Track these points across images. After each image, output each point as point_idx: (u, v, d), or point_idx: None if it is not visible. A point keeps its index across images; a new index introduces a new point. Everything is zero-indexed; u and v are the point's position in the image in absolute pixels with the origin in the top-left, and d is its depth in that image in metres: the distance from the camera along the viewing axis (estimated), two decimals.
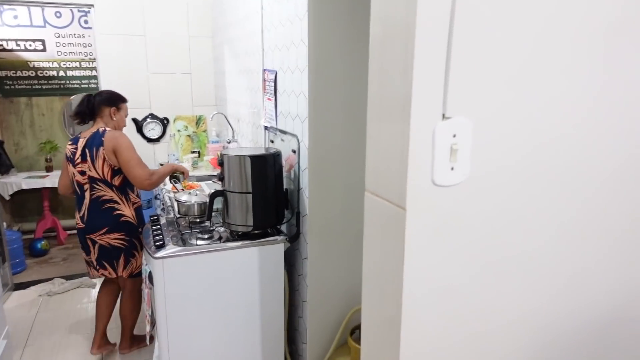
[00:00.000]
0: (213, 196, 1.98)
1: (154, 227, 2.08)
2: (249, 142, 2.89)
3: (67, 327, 3.01)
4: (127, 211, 2.39)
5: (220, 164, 1.97)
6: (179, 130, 3.82)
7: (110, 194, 2.34)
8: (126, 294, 2.56)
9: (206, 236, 1.98)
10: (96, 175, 2.32)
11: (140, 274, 2.44)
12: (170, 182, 2.69)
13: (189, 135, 3.86)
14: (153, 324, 2.00)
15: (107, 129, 2.38)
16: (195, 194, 2.21)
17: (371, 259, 0.94)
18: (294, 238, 2.05)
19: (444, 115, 0.80)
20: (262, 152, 2.01)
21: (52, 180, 4.24)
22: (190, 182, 2.99)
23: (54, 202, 4.69)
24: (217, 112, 3.32)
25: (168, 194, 2.75)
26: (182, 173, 2.58)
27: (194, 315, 1.92)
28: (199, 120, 3.88)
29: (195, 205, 2.15)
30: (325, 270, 1.99)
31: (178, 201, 2.17)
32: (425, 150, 0.80)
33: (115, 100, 2.50)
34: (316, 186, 1.91)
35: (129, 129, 2.73)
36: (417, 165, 0.80)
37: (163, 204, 3.02)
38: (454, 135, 0.81)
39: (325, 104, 1.85)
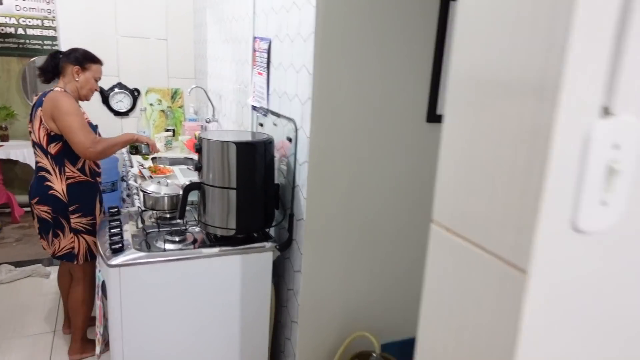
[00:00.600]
0: (187, 190, 1.59)
1: (111, 224, 1.69)
2: (232, 123, 2.49)
3: (11, 326, 2.60)
4: (56, 185, 2.05)
5: (198, 150, 1.58)
6: (151, 104, 3.37)
7: (44, 162, 2.05)
8: (73, 281, 2.26)
9: (177, 238, 1.60)
10: (35, 139, 2.05)
11: (90, 257, 2.13)
12: (130, 153, 2.27)
13: (162, 111, 3.42)
14: (106, 342, 1.62)
15: (58, 89, 1.99)
16: (166, 184, 1.82)
17: (445, 323, 0.59)
18: (285, 245, 1.69)
19: (606, 109, 0.45)
20: (250, 138, 1.63)
21: (5, 151, 3.74)
22: (162, 165, 2.58)
23: (9, 175, 4.19)
24: (196, 86, 2.89)
25: (134, 180, 2.34)
26: (146, 144, 2.19)
27: (157, 335, 1.56)
28: (174, 94, 3.44)
29: (165, 199, 1.76)
30: (322, 287, 1.65)
31: (144, 192, 1.78)
32: (566, 170, 0.45)
33: (82, 58, 2.11)
34: (317, 184, 1.55)
35: (94, 100, 2.31)
36: (551, 196, 0.45)
37: (129, 189, 2.61)
38: (616, 146, 0.46)
39: (333, 82, 1.47)
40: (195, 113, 3.41)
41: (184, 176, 2.30)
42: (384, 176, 1.64)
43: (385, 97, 1.55)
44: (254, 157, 1.57)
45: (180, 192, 1.77)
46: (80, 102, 2.26)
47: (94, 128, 2.16)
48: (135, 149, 2.24)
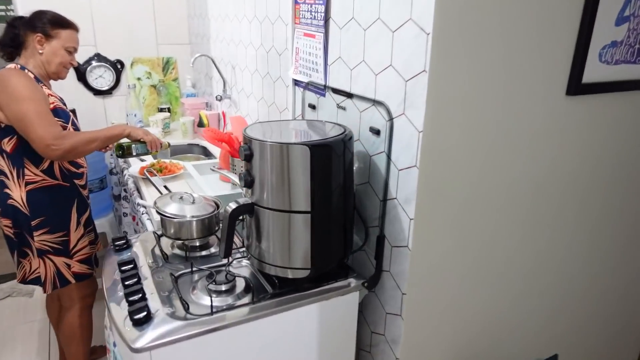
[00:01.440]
0: (235, 216, 1.07)
1: (124, 273, 1.16)
2: (254, 101, 1.93)
3: None
4: (14, 192, 1.58)
5: (248, 157, 1.05)
6: (138, 79, 2.76)
7: (0, 163, 1.58)
8: (62, 310, 1.85)
9: (224, 287, 1.10)
10: None
11: (68, 281, 1.71)
12: (115, 155, 1.72)
13: (153, 86, 2.81)
14: None
15: (12, 66, 1.53)
16: (191, 200, 1.29)
17: None
18: (374, 281, 1.21)
19: None
20: (322, 134, 1.10)
21: None
22: (167, 159, 2.03)
23: None
24: (201, 55, 2.28)
25: (133, 183, 1.79)
26: (142, 141, 1.66)
27: None
28: (166, 65, 2.82)
29: (194, 224, 1.25)
30: (432, 338, 1.18)
31: (164, 215, 1.25)
32: None
33: (46, 23, 1.57)
34: (430, 199, 1.05)
35: (67, 78, 1.72)
36: None
37: (125, 190, 2.06)
38: None
39: (458, 47, 0.95)
40: (193, 86, 2.81)
41: (199, 174, 1.76)
42: (520, 186, 1.15)
43: (513, 67, 1.04)
44: (334, 163, 1.05)
45: (212, 212, 1.25)
46: (52, 82, 1.69)
47: (66, 116, 1.60)
48: (122, 150, 1.68)
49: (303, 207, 1.05)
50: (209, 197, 1.36)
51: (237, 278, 1.14)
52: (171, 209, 1.26)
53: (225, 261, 1.21)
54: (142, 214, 1.50)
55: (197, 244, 1.29)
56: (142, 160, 2.00)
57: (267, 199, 1.06)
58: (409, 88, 1.01)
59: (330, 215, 1.09)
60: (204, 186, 1.59)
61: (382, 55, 1.08)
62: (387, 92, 1.08)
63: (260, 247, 1.12)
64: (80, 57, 2.59)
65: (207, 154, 2.42)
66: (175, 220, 1.24)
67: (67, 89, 2.46)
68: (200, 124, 2.43)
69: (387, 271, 1.19)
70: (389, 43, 1.05)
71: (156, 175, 1.49)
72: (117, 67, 2.69)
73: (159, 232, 1.34)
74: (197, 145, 2.46)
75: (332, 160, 1.05)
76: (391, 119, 1.08)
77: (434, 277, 1.13)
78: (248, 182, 1.08)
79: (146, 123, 2.59)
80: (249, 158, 1.06)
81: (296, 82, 1.52)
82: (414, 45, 0.97)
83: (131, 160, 2.09)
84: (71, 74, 2.53)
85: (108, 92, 2.70)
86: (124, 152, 1.67)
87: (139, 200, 1.31)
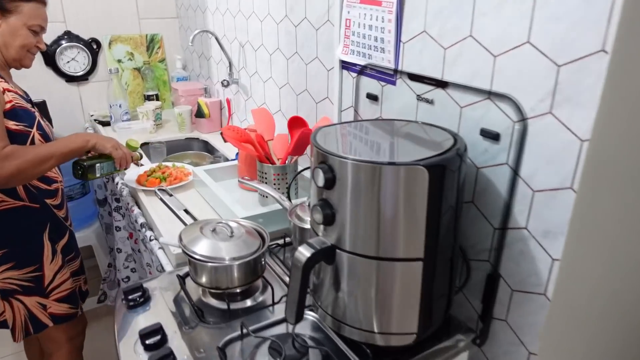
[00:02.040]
0: (309, 266, 0.75)
1: (151, 347, 0.82)
2: (277, 88, 1.58)
3: None
4: None
5: (329, 180, 0.72)
6: (119, 61, 2.34)
7: None
8: (45, 356, 1.55)
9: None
10: None
11: (44, 325, 1.38)
12: (74, 175, 1.34)
13: (137, 69, 2.39)
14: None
15: None
16: (229, 233, 0.95)
17: None
18: (484, 335, 0.91)
19: None
20: (442, 147, 0.77)
21: None
22: (169, 163, 1.67)
23: None
24: (202, 31, 1.87)
25: (131, 198, 1.43)
26: (109, 156, 1.33)
27: None
28: (151, 43, 2.40)
29: (235, 269, 0.91)
30: None
31: (191, 257, 0.91)
32: None
33: None
34: (588, 237, 0.74)
35: (35, 62, 1.33)
36: None
37: (117, 200, 1.69)
38: None
39: None
40: (183, 68, 2.41)
41: (213, 180, 1.41)
42: None
43: None
44: (450, 188, 0.73)
45: (258, 249, 0.93)
46: (14, 71, 1.31)
47: (29, 118, 1.23)
48: (82, 170, 1.31)
49: (413, 253, 0.73)
50: (246, 222, 1.02)
51: (310, 349, 0.82)
52: (203, 248, 0.92)
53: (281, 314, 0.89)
54: (159, 248, 1.15)
55: (238, 290, 0.96)
56: (139, 165, 1.63)
57: (355, 242, 0.74)
58: (565, 76, 0.69)
59: (445, 260, 0.78)
60: (226, 199, 1.25)
61: (508, 26, 0.75)
62: (516, 81, 0.76)
63: (341, 303, 0.80)
64: (47, 37, 2.15)
65: (209, 149, 2.05)
66: (211, 264, 0.90)
67: (34, 77, 2.03)
68: (199, 114, 2.06)
69: (501, 320, 0.89)
70: (528, 7, 0.72)
71: (172, 195, 1.13)
72: (93, 47, 2.26)
73: (182, 273, 1.01)
74: (197, 139, 2.09)
75: (449, 184, 0.73)
76: (524, 120, 0.76)
77: (581, 338, 0.84)
78: (328, 217, 0.75)
79: (133, 115, 2.19)
80: (330, 184, 0.73)
81: (345, 65, 1.18)
82: (582, 9, 0.65)
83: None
84: (38, 57, 2.10)
85: (83, 77, 2.28)
86: (84, 172, 1.30)
87: (161, 240, 0.96)
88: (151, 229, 1.31)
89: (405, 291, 0.76)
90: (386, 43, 1.01)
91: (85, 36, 2.24)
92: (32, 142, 1.22)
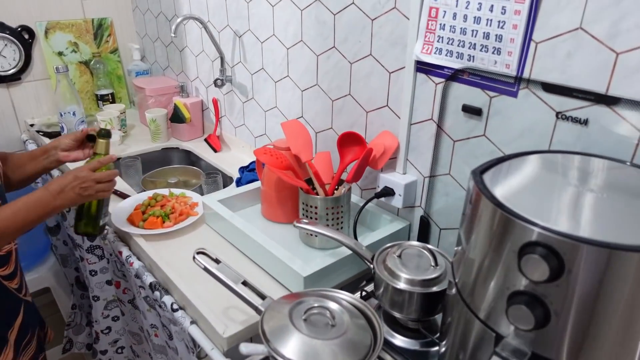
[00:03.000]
0: None
1: None
2: (299, 90, 1.27)
3: None
4: None
5: (555, 271, 0.47)
6: (60, 54, 1.87)
7: None
8: None
9: None
10: None
11: None
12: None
13: (84, 63, 1.94)
14: None
15: None
16: (330, 320, 0.67)
17: None
18: None
19: None
20: None
21: None
22: (167, 191, 1.33)
23: None
24: (188, 17, 1.45)
25: (121, 243, 1.08)
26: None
27: None
28: (99, 30, 1.95)
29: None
30: None
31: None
32: None
33: None
34: None
35: None
36: None
37: (98, 252, 1.33)
38: None
39: None
40: (141, 59, 2.00)
41: (232, 212, 1.09)
42: None
43: None
44: None
45: (371, 348, 0.68)
46: None
47: None
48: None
49: None
50: (345, 297, 0.75)
51: None
52: (296, 350, 0.63)
53: None
54: (191, 323, 0.83)
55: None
56: (122, 196, 1.26)
57: (588, 354, 0.50)
58: None
59: None
60: (277, 252, 0.95)
61: None
62: None
63: None
64: None
65: (192, 160, 1.70)
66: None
67: None
68: (177, 118, 1.69)
69: None
70: None
71: (219, 261, 0.80)
72: (24, 37, 1.78)
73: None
74: (177, 149, 1.72)
75: None
76: None
77: None
78: (540, 319, 0.50)
79: (90, 122, 1.76)
80: (554, 277, 0.48)
81: (424, 68, 0.91)
82: None
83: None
84: None
85: (15, 77, 1.80)
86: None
87: (243, 349, 0.66)
88: (167, 291, 0.99)
89: None
90: (506, 42, 0.76)
91: (13, 23, 1.75)
92: None
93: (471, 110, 0.86)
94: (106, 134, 1.05)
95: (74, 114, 1.63)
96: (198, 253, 0.80)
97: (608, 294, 0.47)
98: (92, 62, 1.93)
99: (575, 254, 0.47)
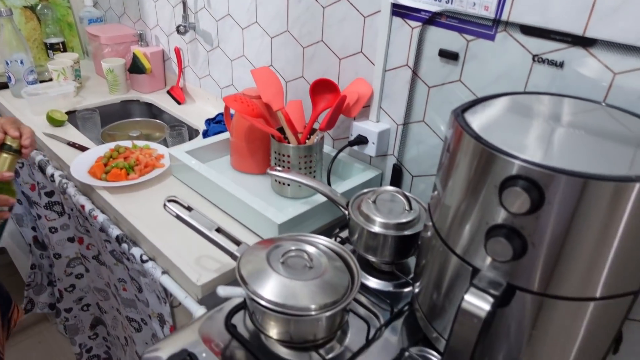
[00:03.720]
0: (490, 322, 0.52)
1: None
2: (268, 37, 1.22)
3: None
4: None
5: (535, 202, 0.48)
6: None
7: None
8: None
9: None
10: None
11: None
12: None
13: (30, 9, 1.78)
14: None
15: None
16: (308, 263, 0.67)
17: None
18: None
19: None
20: None
21: None
22: (129, 143, 1.28)
23: None
24: None
25: (84, 198, 1.04)
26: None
27: None
28: None
29: (324, 320, 0.65)
30: None
31: (258, 303, 0.63)
32: None
33: None
34: None
35: None
36: None
37: (47, 192, 1.27)
38: None
39: None
40: (94, 5, 1.86)
41: (200, 162, 1.05)
42: None
43: None
44: None
45: (348, 290, 0.69)
46: None
47: None
48: None
49: (630, 286, 0.54)
50: (322, 241, 0.75)
51: None
52: (276, 290, 0.63)
53: None
54: (163, 273, 0.80)
55: (321, 341, 0.70)
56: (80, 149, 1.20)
57: (559, 282, 0.53)
58: None
59: None
60: (249, 200, 0.93)
61: None
62: None
63: (504, 354, 0.60)
64: None
65: (154, 113, 1.63)
66: (290, 317, 0.63)
67: None
68: (136, 69, 1.60)
69: None
70: None
71: (191, 208, 0.77)
72: None
73: (225, 315, 0.72)
74: (137, 102, 1.64)
75: None
76: None
77: None
78: (518, 251, 0.52)
79: (40, 72, 1.64)
80: (534, 209, 0.49)
81: (399, 11, 0.89)
82: None
83: (60, 146, 1.25)
84: None
85: None
86: None
87: (222, 292, 0.64)
88: (135, 243, 0.96)
89: (608, 330, 0.57)
90: None
91: None
92: None
93: (448, 55, 0.85)
94: (12, 150, 0.90)
95: (21, 62, 1.51)
96: (169, 201, 0.77)
97: (581, 224, 0.49)
98: (38, 7, 1.78)
99: (555, 185, 0.48)
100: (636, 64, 0.65)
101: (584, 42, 0.68)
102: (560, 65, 0.72)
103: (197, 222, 0.75)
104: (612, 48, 0.66)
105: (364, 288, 0.83)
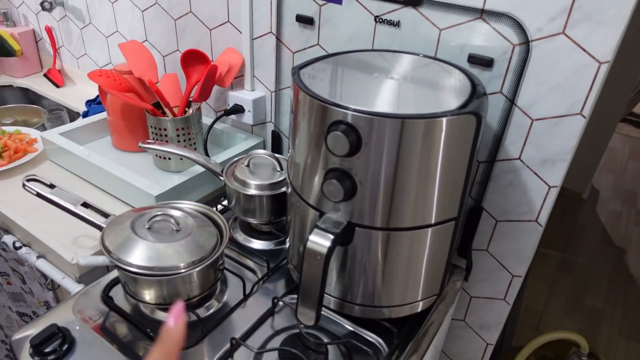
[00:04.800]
0: (330, 256, 0.58)
1: None
2: (139, 10, 1.18)
3: None
4: None
5: (354, 145, 0.54)
6: None
7: None
8: None
9: None
10: None
11: None
12: None
13: None
14: None
15: None
16: (175, 226, 0.69)
17: None
18: (469, 268, 0.89)
19: None
20: (465, 89, 0.64)
21: None
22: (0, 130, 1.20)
23: None
24: None
25: None
26: None
27: None
28: None
29: (195, 276, 0.68)
30: None
31: (126, 270, 0.64)
32: None
33: None
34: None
35: None
36: None
37: None
38: None
39: None
40: None
41: (78, 145, 1.03)
42: None
43: None
44: (480, 136, 0.63)
45: (216, 245, 0.73)
46: None
47: None
48: None
49: (448, 214, 0.63)
50: (188, 205, 0.77)
51: (329, 346, 0.68)
52: (144, 255, 0.65)
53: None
54: (38, 257, 0.78)
55: (197, 298, 0.74)
56: None
57: (387, 215, 0.60)
58: None
59: (468, 211, 0.70)
60: (123, 175, 0.93)
61: None
62: None
63: (357, 283, 0.67)
64: None
65: (32, 99, 1.53)
66: (162, 277, 0.65)
67: None
68: (4, 52, 1.48)
69: (481, 250, 0.88)
70: None
71: (53, 186, 0.75)
72: None
73: (102, 289, 0.73)
74: (10, 87, 1.53)
75: (481, 132, 0.62)
76: (527, 43, 0.68)
77: None
78: (348, 190, 0.58)
79: None
80: (354, 151, 0.55)
81: None
82: None
83: None
84: None
85: None
86: None
87: (82, 261, 0.62)
88: (7, 231, 0.92)
89: (438, 255, 0.66)
90: None
91: None
92: None
93: (304, 20, 0.89)
94: None
95: None
96: (28, 180, 0.75)
97: (402, 161, 0.56)
98: None
99: (369, 127, 0.54)
100: (455, 20, 0.73)
101: (414, 2, 0.75)
102: (397, 24, 0.79)
103: (60, 198, 0.74)
104: (435, 6, 0.74)
105: (248, 251, 0.87)
